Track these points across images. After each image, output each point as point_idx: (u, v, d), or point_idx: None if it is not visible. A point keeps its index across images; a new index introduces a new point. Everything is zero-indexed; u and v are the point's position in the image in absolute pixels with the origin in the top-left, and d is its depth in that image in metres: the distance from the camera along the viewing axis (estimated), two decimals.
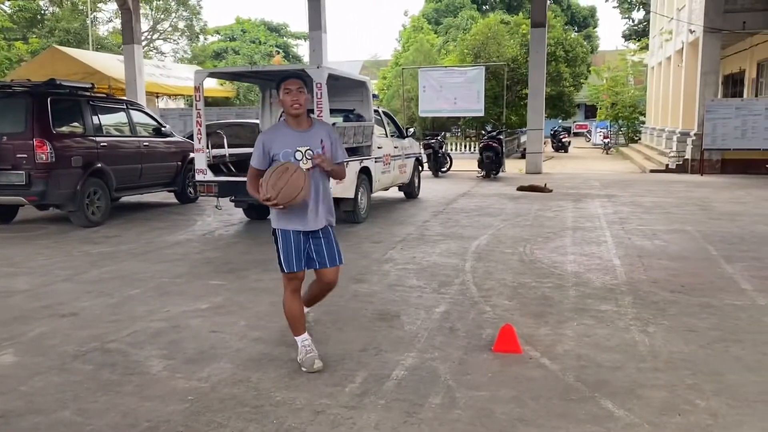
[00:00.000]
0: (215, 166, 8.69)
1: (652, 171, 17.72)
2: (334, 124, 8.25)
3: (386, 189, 10.87)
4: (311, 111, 9.26)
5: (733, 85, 22.71)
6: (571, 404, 3.23)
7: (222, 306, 5.06)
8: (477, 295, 5.27)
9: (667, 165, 17.70)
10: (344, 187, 8.32)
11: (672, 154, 18.42)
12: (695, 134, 16.61)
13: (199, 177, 8.49)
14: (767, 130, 14.79)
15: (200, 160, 8.45)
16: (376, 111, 10.32)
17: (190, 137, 9.77)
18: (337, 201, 8.52)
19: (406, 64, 28.18)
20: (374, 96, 10.53)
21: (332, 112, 8.58)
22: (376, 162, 9.55)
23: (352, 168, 8.62)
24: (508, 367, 3.70)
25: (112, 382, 3.58)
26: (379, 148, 9.74)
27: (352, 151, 8.93)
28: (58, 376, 3.67)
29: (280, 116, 10.02)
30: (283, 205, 3.45)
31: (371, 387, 3.44)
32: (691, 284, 5.54)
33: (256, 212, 9.40)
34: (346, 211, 8.72)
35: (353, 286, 5.59)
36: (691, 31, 18.11)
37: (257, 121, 10.28)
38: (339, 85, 8.98)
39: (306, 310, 4.06)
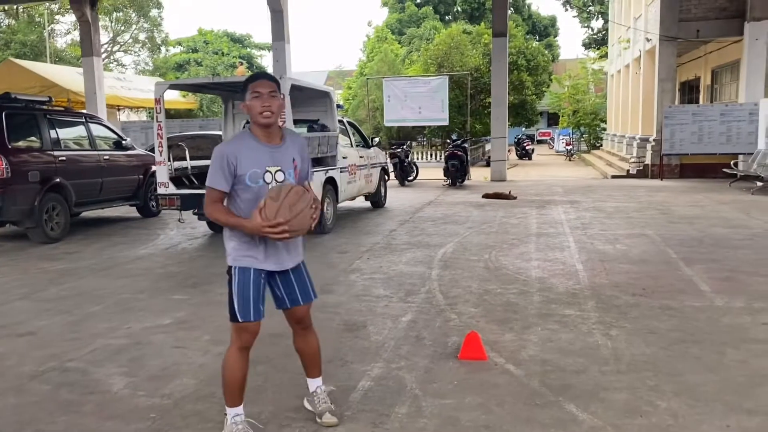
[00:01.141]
0: (177, 178, 8.58)
1: (613, 177, 18.07)
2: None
3: (353, 199, 10.86)
4: (321, 125, 9.29)
5: (689, 91, 23.35)
6: (535, 409, 3.25)
7: (185, 321, 4.97)
8: (443, 303, 5.29)
9: (628, 170, 18.08)
10: None
11: (632, 160, 18.82)
12: (654, 140, 17.00)
13: (161, 190, 8.37)
14: (722, 135, 15.23)
15: (162, 173, 8.33)
16: (340, 121, 10.32)
17: (152, 150, 9.62)
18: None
19: (371, 74, 28.28)
20: (338, 106, 10.53)
21: (296, 122, 8.56)
22: (341, 172, 9.54)
23: (318, 178, 8.59)
24: (473, 374, 3.71)
25: (71, 402, 3.49)
26: (344, 158, 9.73)
27: (317, 162, 8.91)
28: (15, 398, 3.55)
29: (243, 127, 9.97)
30: (290, 234, 2.78)
31: (337, 398, 3.41)
32: (651, 287, 5.65)
33: (220, 226, 9.27)
34: None
35: (320, 297, 5.53)
36: (648, 40, 18.60)
37: (220, 133, 10.18)
38: (303, 95, 8.96)
39: (317, 384, 3.23)
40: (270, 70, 26.31)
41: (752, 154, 14.15)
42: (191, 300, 5.60)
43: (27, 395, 3.59)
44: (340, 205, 9.91)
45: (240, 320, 2.88)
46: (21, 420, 3.27)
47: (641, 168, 17.51)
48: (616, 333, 4.43)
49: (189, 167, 8.83)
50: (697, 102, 21.29)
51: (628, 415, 3.16)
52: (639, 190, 13.99)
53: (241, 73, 27.66)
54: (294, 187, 2.80)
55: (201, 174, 9.01)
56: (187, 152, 8.79)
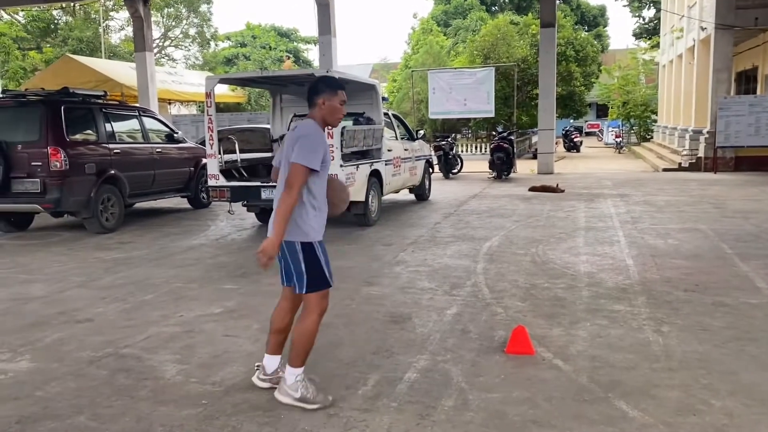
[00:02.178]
0: (227, 171, 8.75)
1: (664, 170, 17.59)
2: (344, 127, 8.28)
3: (397, 191, 10.88)
4: (366, 118, 9.32)
5: (746, 81, 22.48)
6: (584, 405, 3.21)
7: (235, 310, 5.08)
8: (489, 296, 5.26)
9: (679, 163, 17.57)
10: (355, 190, 8.34)
11: (685, 153, 18.27)
12: (708, 132, 16.47)
13: (211, 182, 8.55)
14: None
15: (212, 166, 8.50)
16: (385, 114, 10.33)
17: (203, 143, 9.84)
18: (349, 204, 8.54)
19: (416, 66, 28.20)
20: (384, 99, 10.54)
21: None
22: (386, 165, 9.56)
23: (363, 171, 8.64)
24: (520, 369, 3.69)
25: (126, 387, 3.61)
26: (389, 150, 9.74)
27: (362, 154, 8.95)
28: (74, 382, 3.70)
29: (291, 120, 10.08)
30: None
31: (384, 389, 3.45)
32: (704, 283, 5.50)
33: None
34: (357, 215, 8.74)
35: (365, 289, 5.60)
36: (703, 29, 17.98)
37: (268, 126, 10.33)
38: (348, 88, 8.87)
39: (278, 358, 3.55)
40: (316, 63, 26.53)
41: None
42: (241, 290, 5.72)
43: (85, 380, 3.73)
44: (384, 197, 9.94)
45: (331, 285, 3.31)
46: (79, 403, 3.41)
47: (694, 161, 16.99)
48: (668, 329, 4.33)
49: (239, 160, 8.99)
50: (754, 92, 20.49)
51: (681, 414, 3.09)
52: (691, 183, 13.59)
53: (288, 66, 27.96)
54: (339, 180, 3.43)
55: (250, 166, 9.18)
56: (236, 145, 8.95)
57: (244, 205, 9.15)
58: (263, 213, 9.41)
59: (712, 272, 5.90)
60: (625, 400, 3.25)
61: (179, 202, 11.76)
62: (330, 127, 3.53)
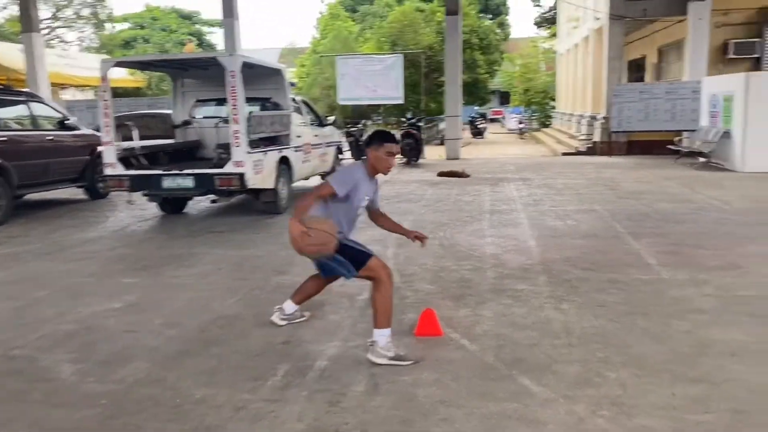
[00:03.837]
0: (126, 159, 8.34)
1: (563, 154, 18.40)
2: (250, 112, 8.08)
3: (307, 178, 10.76)
4: (273, 104, 9.08)
5: (637, 70, 23.85)
6: (490, 383, 3.31)
7: (136, 304, 4.87)
8: (399, 280, 5.31)
9: (577, 148, 18.43)
10: (263, 178, 8.18)
11: (582, 138, 19.19)
12: (603, 118, 17.35)
13: (108, 171, 8.13)
14: (667, 113, 15.63)
15: (109, 154, 8.08)
16: (293, 99, 10.18)
17: (99, 130, 9.32)
18: (257, 192, 8.38)
19: (325, 51, 27.95)
20: (291, 84, 10.38)
21: (248, 100, 8.39)
22: (296, 151, 9.43)
23: (271, 158, 8.48)
24: (429, 350, 3.75)
25: (17, 390, 3.38)
26: (298, 137, 9.61)
27: (271, 141, 8.78)
28: None
29: (193, 106, 9.74)
30: (313, 245, 3.57)
31: (293, 379, 3.41)
32: (600, 261, 5.80)
33: (171, 206, 9.10)
34: (267, 202, 8.58)
35: (275, 278, 5.51)
36: (597, 19, 18.87)
37: (170, 112, 9.92)
38: (254, 73, 8.79)
39: (296, 307, 4.28)
40: (221, 47, 25.73)
41: (695, 130, 14.60)
42: (142, 283, 5.48)
43: None
44: (295, 184, 9.81)
45: (372, 254, 3.70)
46: None
47: (590, 145, 17.87)
48: (567, 306, 4.53)
49: (137, 147, 8.58)
50: (643, 80, 21.78)
51: (579, 387, 3.24)
52: (588, 166, 14.29)
53: (191, 50, 26.96)
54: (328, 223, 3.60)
55: (151, 154, 8.79)
56: (135, 132, 8.53)
57: (144, 195, 8.76)
58: (166, 203, 9.06)
59: (607, 251, 6.23)
60: (528, 376, 3.38)
61: (75, 192, 11.11)
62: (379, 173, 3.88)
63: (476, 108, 35.46)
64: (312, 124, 10.77)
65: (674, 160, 14.59)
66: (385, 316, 3.62)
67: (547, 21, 38.61)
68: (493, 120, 42.87)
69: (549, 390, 3.21)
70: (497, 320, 4.28)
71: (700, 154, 13.52)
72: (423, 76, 21.47)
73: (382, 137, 3.77)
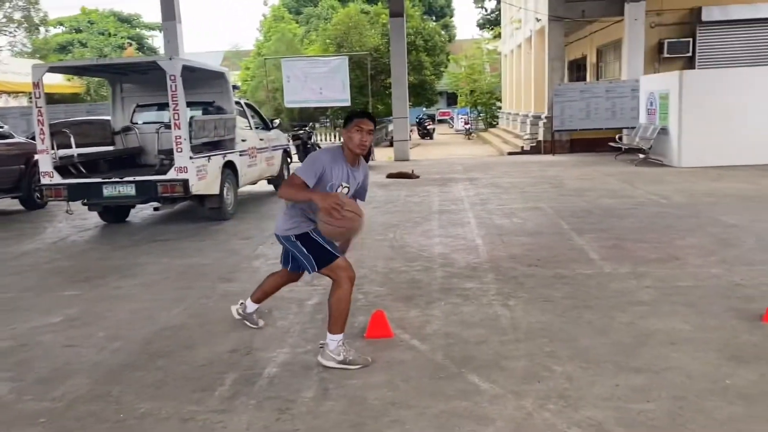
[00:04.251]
0: (63, 167, 8.05)
1: (509, 153, 18.73)
2: (192, 117, 7.92)
3: (254, 183, 10.63)
4: (216, 108, 8.89)
5: (577, 69, 24.51)
6: (440, 382, 3.33)
7: (77, 318, 4.70)
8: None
9: (522, 147, 18.78)
10: (207, 183, 8.03)
11: (526, 137, 19.57)
12: (546, 117, 17.74)
13: (45, 180, 7.83)
14: (608, 111, 16.10)
15: (45, 162, 7.80)
16: (237, 103, 10.03)
17: (34, 138, 8.97)
18: (201, 198, 8.22)
19: (269, 54, 27.66)
20: (235, 87, 10.23)
21: (190, 104, 8.25)
22: (241, 155, 9.29)
23: (215, 163, 8.34)
24: (380, 353, 3.74)
25: None
26: (243, 141, 9.48)
27: (215, 145, 8.63)
28: None
29: (133, 111, 9.49)
30: (337, 226, 3.38)
31: (242, 388, 3.35)
32: (546, 258, 5.91)
33: (113, 215, 8.84)
34: (212, 209, 8.42)
35: (222, 286, 5.41)
36: (538, 20, 19.29)
37: (108, 118, 9.63)
38: (196, 77, 8.62)
39: (256, 306, 4.26)
40: (161, 51, 25.16)
41: (634, 128, 15.08)
42: (84, 295, 5.30)
43: None
44: (241, 189, 9.68)
45: (338, 256, 3.60)
46: None
47: (534, 144, 18.24)
48: (514, 303, 4.60)
49: (75, 155, 8.30)
50: (584, 80, 22.37)
51: (527, 382, 3.29)
52: (533, 165, 14.58)
53: (130, 54, 26.28)
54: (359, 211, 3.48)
55: (89, 162, 8.51)
56: (72, 139, 8.25)
57: (84, 204, 8.48)
58: (107, 212, 8.79)
59: (551, 247, 6.36)
60: (477, 373, 3.41)
61: (10, 203, 10.67)
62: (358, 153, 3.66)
63: (424, 109, 35.75)
64: (257, 128, 10.64)
65: (615, 157, 15.03)
66: (340, 320, 3.58)
67: (491, 23, 39.29)
68: (441, 121, 43.27)
69: (497, 386, 3.24)
70: (447, 319, 4.31)
71: (640, 150, 13.97)
72: (369, 78, 21.47)
73: (351, 114, 3.66)
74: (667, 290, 4.77)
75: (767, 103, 12.12)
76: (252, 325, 4.23)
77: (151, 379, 3.54)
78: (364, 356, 3.62)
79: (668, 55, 16.94)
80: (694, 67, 16.59)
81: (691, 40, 16.89)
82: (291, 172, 11.99)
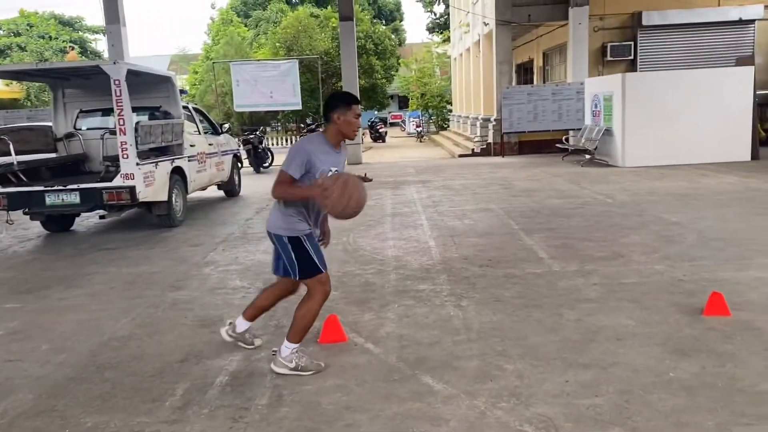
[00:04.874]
0: (2, 176, 7.76)
1: (460, 156, 18.93)
2: (138, 122, 7.75)
3: (204, 188, 10.46)
4: (163, 113, 8.69)
5: (525, 73, 24.98)
6: (394, 384, 3.34)
7: (19, 331, 4.53)
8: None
9: (473, 149, 19.03)
10: (155, 190, 7.87)
11: (476, 139, 19.83)
12: (495, 120, 18.01)
13: None
14: (554, 113, 16.47)
15: None
16: (185, 107, 9.86)
17: None
18: (149, 205, 8.05)
19: (218, 58, 27.31)
20: (182, 92, 10.05)
21: (136, 109, 8.07)
22: (189, 161, 9.13)
23: (163, 168, 8.17)
24: (334, 357, 3.74)
25: None
26: (192, 146, 9.32)
27: (162, 151, 8.46)
28: None
29: (77, 117, 9.22)
30: (347, 214, 3.35)
31: (193, 397, 3.29)
32: (496, 258, 6.01)
33: (56, 224, 8.56)
34: (160, 215, 8.25)
35: (171, 294, 5.30)
36: (485, 24, 19.59)
37: (50, 124, 9.32)
38: (142, 81, 8.44)
39: (249, 325, 3.97)
40: (106, 55, 24.54)
41: (580, 129, 15.47)
42: (26, 307, 5.12)
43: None
44: (190, 195, 9.51)
45: (323, 271, 3.56)
46: None
47: (485, 146, 18.50)
48: (467, 303, 4.66)
49: (15, 162, 8.00)
50: (531, 83, 22.83)
51: (480, 381, 3.34)
52: (483, 167, 14.79)
53: (73, 58, 25.48)
54: (350, 176, 3.37)
55: (30, 169, 8.22)
56: (11, 146, 7.95)
57: (26, 213, 8.19)
58: (50, 221, 8.50)
59: (502, 247, 6.47)
60: (431, 374, 3.44)
61: None
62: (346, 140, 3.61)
63: (375, 112, 35.84)
64: (206, 133, 10.47)
65: (562, 158, 15.38)
66: (301, 332, 3.54)
67: (440, 26, 39.69)
68: (393, 124, 43.44)
69: (450, 387, 3.28)
70: (400, 322, 4.33)
71: (585, 151, 14.33)
72: (321, 82, 21.43)
73: (346, 99, 3.52)
74: (613, 287, 4.91)
75: (705, 104, 12.60)
76: (247, 346, 3.94)
77: (98, 391, 3.44)
78: (317, 362, 3.59)
79: (611, 58, 17.44)
80: (635, 70, 17.14)
81: (632, 43, 17.44)
82: (240, 177, 11.88)
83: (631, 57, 17.44)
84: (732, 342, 3.71)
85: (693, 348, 3.66)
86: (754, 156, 12.82)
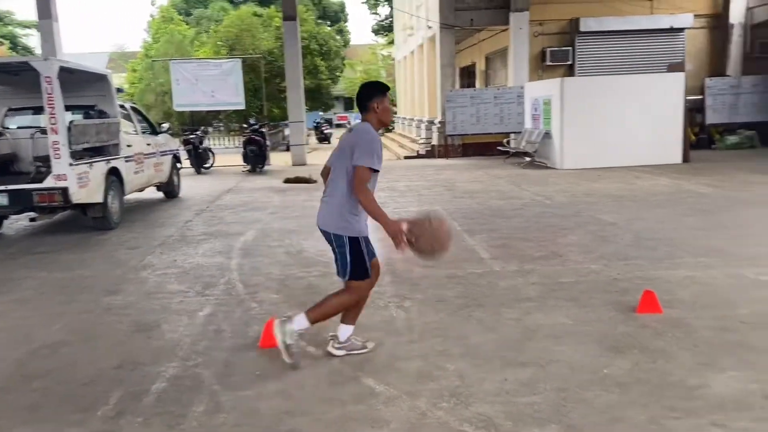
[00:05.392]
0: None
1: (406, 157, 19.06)
2: (71, 121, 7.47)
3: (142, 190, 10.17)
4: (98, 111, 8.31)
5: (468, 76, 25.35)
6: (335, 388, 3.32)
7: None
8: (243, 292, 5.17)
9: (418, 151, 19.18)
10: (90, 191, 7.59)
11: (421, 141, 20.00)
12: (439, 122, 18.20)
13: None
14: (496, 116, 16.74)
15: None
16: (122, 106, 9.57)
17: None
18: (84, 207, 7.78)
19: (157, 56, 26.63)
20: (119, 90, 9.75)
21: (69, 108, 7.78)
22: (126, 161, 8.85)
23: (98, 169, 7.90)
24: (275, 362, 3.68)
25: None
26: (128, 146, 9.04)
27: (97, 151, 8.18)
28: None
29: (4, 115, 8.82)
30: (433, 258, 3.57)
31: (128, 405, 3.18)
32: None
33: None
34: (95, 218, 7.96)
35: (106, 299, 5.12)
36: (429, 27, 19.77)
37: None
38: (75, 78, 8.13)
39: (350, 330, 3.82)
40: (38, 51, 23.60)
41: (521, 132, 15.79)
42: None
43: None
44: (128, 197, 9.23)
45: (369, 277, 3.62)
46: None
47: (429, 148, 18.67)
48: (410, 304, 4.68)
49: None
50: (474, 86, 23.17)
51: (421, 381, 3.35)
52: (428, 169, 14.92)
53: (2, 54, 24.38)
54: (443, 221, 3.53)
55: None
56: None
57: None
58: None
59: None
60: (373, 376, 3.43)
61: None
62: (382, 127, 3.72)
63: (321, 113, 35.69)
64: (144, 133, 10.19)
65: (504, 160, 15.67)
66: (321, 318, 3.61)
67: (385, 29, 39.89)
68: (339, 125, 43.34)
69: (392, 388, 3.28)
70: None
71: (526, 153, 14.65)
72: (264, 82, 21.17)
73: (381, 87, 3.63)
74: (551, 286, 5.02)
75: (639, 108, 13.05)
76: (360, 351, 3.74)
77: (25, 401, 3.29)
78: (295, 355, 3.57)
79: (551, 63, 17.87)
80: (574, 75, 17.62)
81: (571, 48, 17.92)
82: (180, 178, 11.60)
83: (570, 62, 17.93)
84: (663, 338, 3.84)
85: (627, 345, 3.77)
86: (686, 159, 13.37)
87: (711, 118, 16.71)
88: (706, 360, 3.51)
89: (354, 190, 3.40)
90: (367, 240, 3.58)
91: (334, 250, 3.62)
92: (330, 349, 3.76)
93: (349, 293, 3.62)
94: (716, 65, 18.28)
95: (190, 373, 3.58)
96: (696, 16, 17.95)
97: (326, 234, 3.61)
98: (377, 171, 3.45)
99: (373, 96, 3.55)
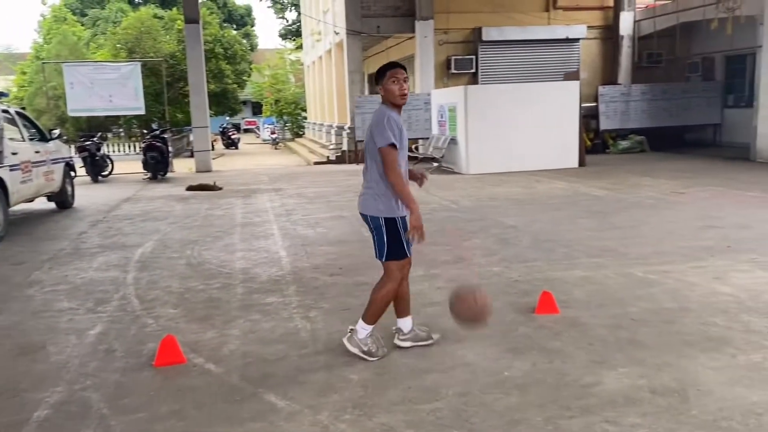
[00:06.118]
0: None
1: (315, 163, 18.93)
2: None
3: (31, 200, 9.53)
4: None
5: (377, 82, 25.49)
6: (235, 405, 3.19)
7: None
8: (139, 308, 4.92)
9: (328, 157, 19.10)
10: None
11: (331, 147, 19.94)
12: (349, 128, 18.21)
13: None
14: (405, 123, 16.70)
15: None
16: (6, 111, 8.91)
17: None
18: None
19: (49, 58, 25.14)
20: (2, 94, 9.08)
21: None
22: (12, 170, 8.25)
23: None
24: (170, 381, 3.51)
25: None
26: (14, 154, 8.43)
27: None
28: None
29: None
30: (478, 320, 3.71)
31: None
32: (348, 266, 6.02)
33: None
34: None
35: None
36: (336, 33, 19.77)
37: None
38: None
39: (409, 319, 3.96)
40: None
41: (428, 138, 16.06)
42: None
43: None
44: (14, 208, 8.61)
45: (408, 255, 3.71)
46: None
47: (339, 154, 18.63)
48: (315, 314, 4.60)
49: None
50: None
51: (324, 394, 3.28)
52: (338, 174, 14.88)
53: None
54: (486, 297, 3.74)
55: None
56: None
57: None
58: None
59: (353, 255, 6.49)
60: (275, 391, 3.33)
61: None
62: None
63: (227, 118, 34.87)
64: (32, 139, 9.53)
65: (413, 165, 15.82)
66: (377, 314, 3.68)
67: (292, 33, 39.57)
68: (247, 130, 42.56)
69: (294, 402, 3.19)
70: (245, 338, 4.17)
71: (434, 159, 14.90)
72: (166, 86, 20.42)
73: (382, 68, 3.63)
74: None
75: (538, 115, 13.56)
76: (427, 341, 3.90)
77: None
78: (383, 348, 3.73)
79: (455, 71, 18.30)
80: (478, 82, 18.12)
81: (474, 57, 18.42)
82: (74, 187, 10.96)
83: (474, 70, 18.42)
84: (560, 338, 3.97)
85: (526, 346, 3.87)
86: (581, 163, 14.04)
87: (604, 124, 17.65)
88: (600, 358, 3.65)
89: (385, 173, 3.51)
90: (404, 220, 3.62)
91: (371, 231, 3.73)
92: (396, 341, 3.88)
93: (388, 279, 3.70)
94: (608, 74, 19.34)
95: (77, 397, 3.34)
96: (589, 27, 18.93)
97: (365, 217, 3.73)
98: (400, 148, 3.52)
99: (378, 80, 3.64)
